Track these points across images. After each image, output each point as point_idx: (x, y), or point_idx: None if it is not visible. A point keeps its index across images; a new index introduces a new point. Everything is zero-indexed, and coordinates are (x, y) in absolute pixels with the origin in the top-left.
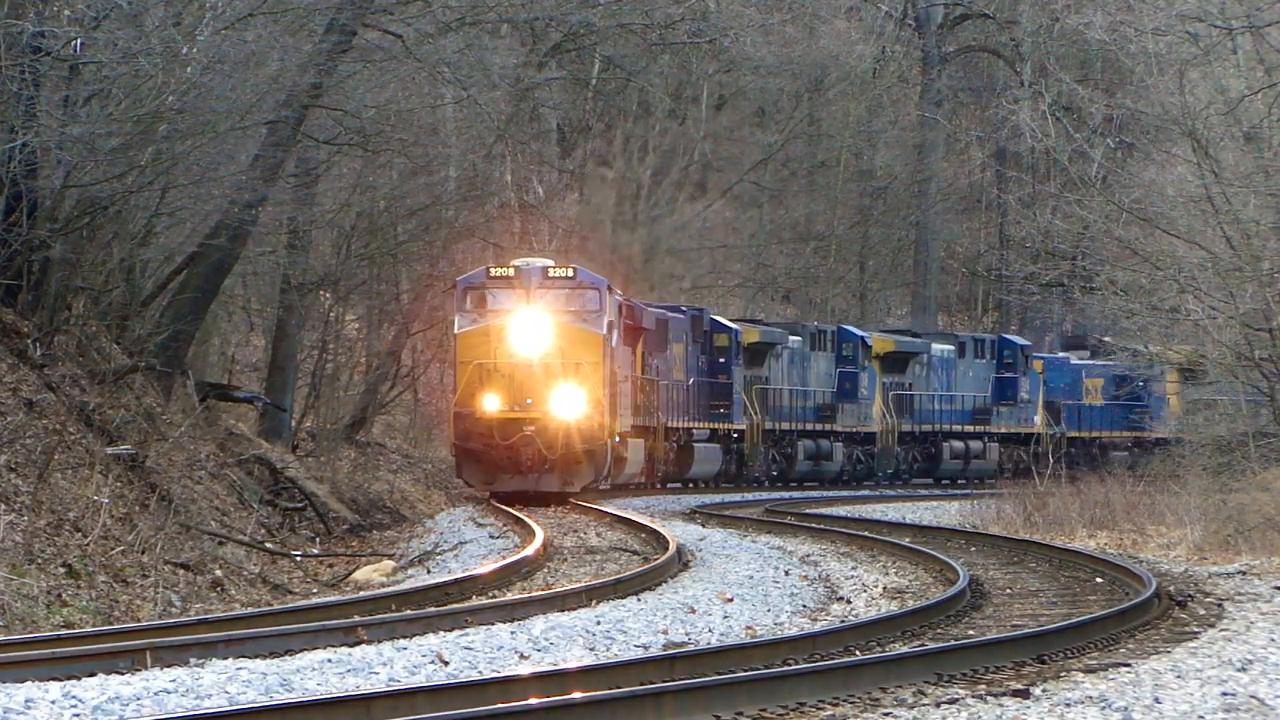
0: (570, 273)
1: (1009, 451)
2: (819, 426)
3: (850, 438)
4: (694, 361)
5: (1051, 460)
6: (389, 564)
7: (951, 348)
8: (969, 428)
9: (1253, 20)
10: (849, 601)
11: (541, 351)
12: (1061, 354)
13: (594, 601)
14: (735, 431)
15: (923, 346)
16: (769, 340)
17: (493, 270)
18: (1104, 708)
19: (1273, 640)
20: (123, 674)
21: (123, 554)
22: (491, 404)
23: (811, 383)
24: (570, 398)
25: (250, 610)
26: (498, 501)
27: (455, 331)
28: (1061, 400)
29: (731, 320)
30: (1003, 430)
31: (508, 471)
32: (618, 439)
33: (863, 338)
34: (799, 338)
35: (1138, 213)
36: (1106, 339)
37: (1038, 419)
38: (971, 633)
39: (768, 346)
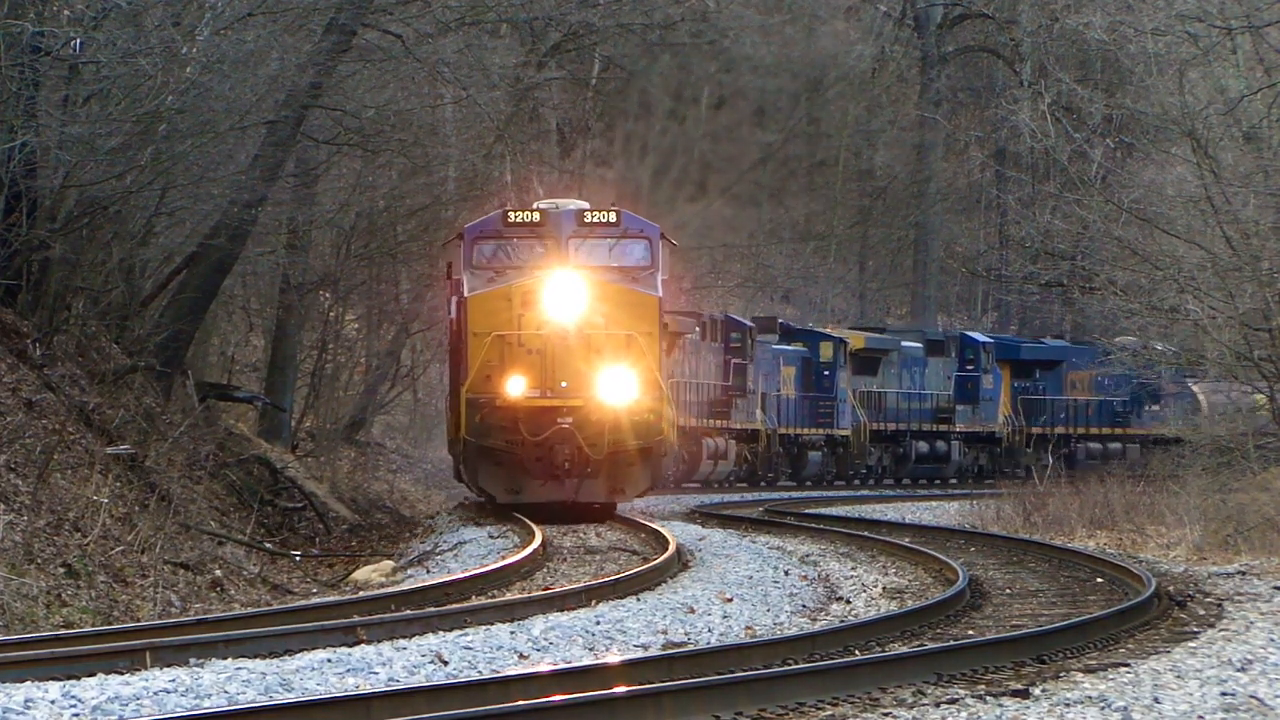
0: (613, 217)
1: (741, 450)
2: None
3: None
4: None
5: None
6: (388, 564)
7: (698, 328)
8: (713, 422)
9: (1252, 20)
10: (848, 601)
11: (581, 320)
12: (759, 337)
13: (593, 601)
14: None
15: (687, 326)
16: None
17: (512, 215)
18: (1104, 708)
19: (1272, 640)
20: (122, 674)
21: (122, 554)
22: (516, 388)
23: None
24: (619, 379)
25: (250, 610)
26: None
27: (465, 294)
28: (770, 391)
29: None
30: (737, 426)
31: (538, 477)
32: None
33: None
34: None
35: (1137, 213)
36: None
37: (759, 413)
38: (971, 633)
39: None
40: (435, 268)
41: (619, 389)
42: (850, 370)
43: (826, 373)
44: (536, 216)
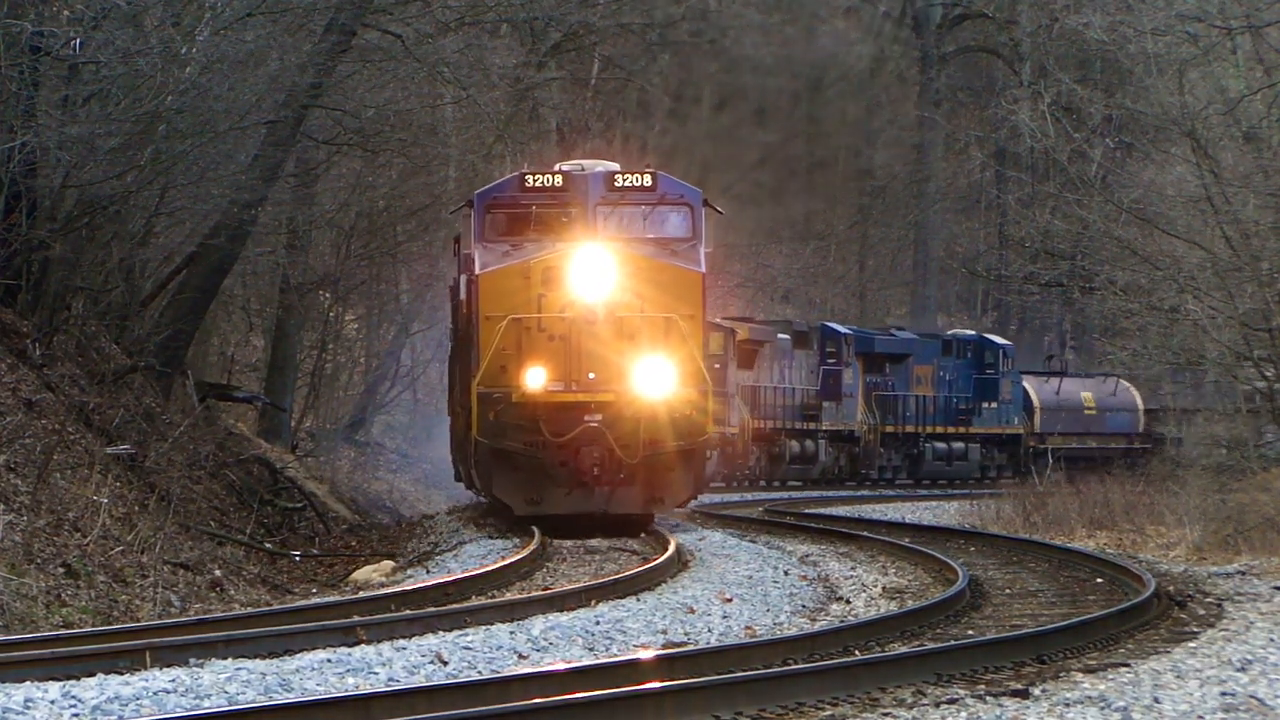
0: (648, 181)
1: None
2: None
3: None
4: None
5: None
6: (388, 564)
7: None
8: None
9: (1252, 20)
10: (848, 601)
11: (611, 300)
12: None
13: (593, 601)
14: None
15: None
16: None
17: (530, 179)
18: (1103, 708)
19: (1272, 640)
20: (122, 674)
21: (122, 554)
22: (536, 380)
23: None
24: (656, 369)
25: (250, 610)
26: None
27: (476, 271)
28: None
29: None
30: None
31: (563, 484)
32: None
33: None
34: None
35: (1137, 213)
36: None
37: None
38: (971, 633)
39: None
40: (435, 267)
41: (656, 381)
42: (735, 364)
43: (718, 366)
44: (559, 180)
